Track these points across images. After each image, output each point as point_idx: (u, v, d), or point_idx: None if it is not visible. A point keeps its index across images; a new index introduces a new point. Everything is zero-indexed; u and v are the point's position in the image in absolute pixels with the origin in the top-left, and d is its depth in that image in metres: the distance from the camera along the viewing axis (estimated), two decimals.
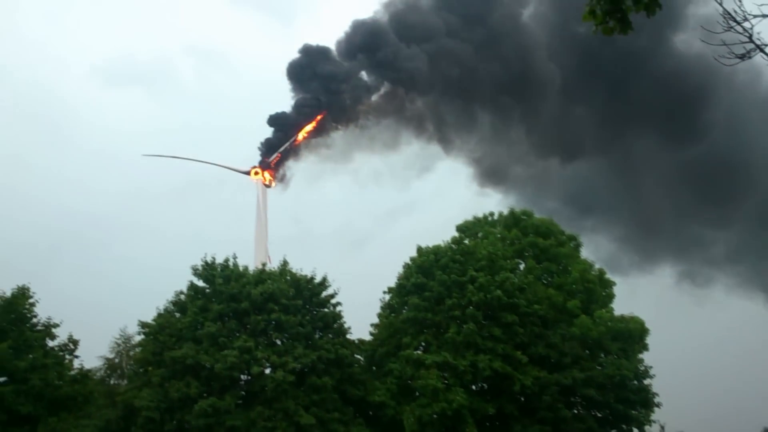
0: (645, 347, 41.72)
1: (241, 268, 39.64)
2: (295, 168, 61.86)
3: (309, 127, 59.25)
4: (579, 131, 65.06)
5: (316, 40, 61.79)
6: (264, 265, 43.08)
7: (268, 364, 36.10)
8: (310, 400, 35.45)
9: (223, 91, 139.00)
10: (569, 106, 64.81)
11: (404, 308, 40.42)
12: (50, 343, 36.80)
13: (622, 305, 43.97)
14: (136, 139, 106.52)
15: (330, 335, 38.59)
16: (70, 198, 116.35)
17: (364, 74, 60.04)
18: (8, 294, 35.83)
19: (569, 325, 40.32)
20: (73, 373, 37.08)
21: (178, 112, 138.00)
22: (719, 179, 63.76)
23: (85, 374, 38.11)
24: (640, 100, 62.98)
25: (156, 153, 65.99)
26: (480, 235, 45.88)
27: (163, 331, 37.39)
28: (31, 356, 34.44)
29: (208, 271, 39.16)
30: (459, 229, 47.19)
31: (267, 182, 59.87)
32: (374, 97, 61.24)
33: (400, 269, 42.17)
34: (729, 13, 8.62)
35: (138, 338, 41.06)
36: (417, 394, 37.47)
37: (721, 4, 8.60)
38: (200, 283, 39.28)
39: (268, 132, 60.12)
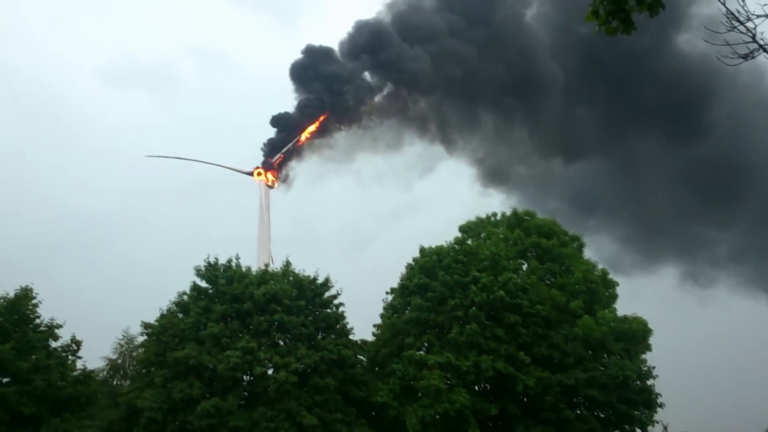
0: (648, 347, 41.66)
1: (243, 269, 39.64)
2: (298, 168, 61.99)
3: (312, 128, 59.31)
4: (582, 131, 65.09)
5: (318, 41, 62.12)
6: (267, 265, 43.14)
7: (270, 365, 36.10)
8: (312, 400, 35.44)
9: (226, 92, 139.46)
10: (572, 106, 64.84)
11: (407, 309, 40.37)
12: (53, 344, 36.91)
13: (624, 305, 43.99)
14: (139, 140, 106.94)
15: (333, 336, 38.57)
16: (72, 198, 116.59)
17: (367, 75, 60.15)
18: (11, 295, 35.91)
19: (572, 326, 40.28)
20: (75, 373, 37.14)
21: (181, 113, 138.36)
22: (722, 179, 63.69)
23: (87, 375, 38.18)
24: (643, 100, 62.95)
25: (159, 154, 66.08)
26: (483, 235, 45.85)
27: (165, 332, 37.39)
28: (34, 357, 34.51)
29: (210, 271, 39.18)
30: (462, 229, 47.16)
31: (270, 183, 59.95)
32: (377, 98, 61.36)
33: (402, 269, 42.20)
34: (732, 13, 8.60)
35: (141, 339, 41.07)
36: (420, 394, 37.45)
37: (724, 4, 8.59)
38: (203, 284, 39.30)
39: (270, 132, 60.28)
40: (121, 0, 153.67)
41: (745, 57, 8.86)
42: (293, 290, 38.38)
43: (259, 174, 59.45)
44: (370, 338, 42.03)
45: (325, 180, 73.74)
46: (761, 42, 8.70)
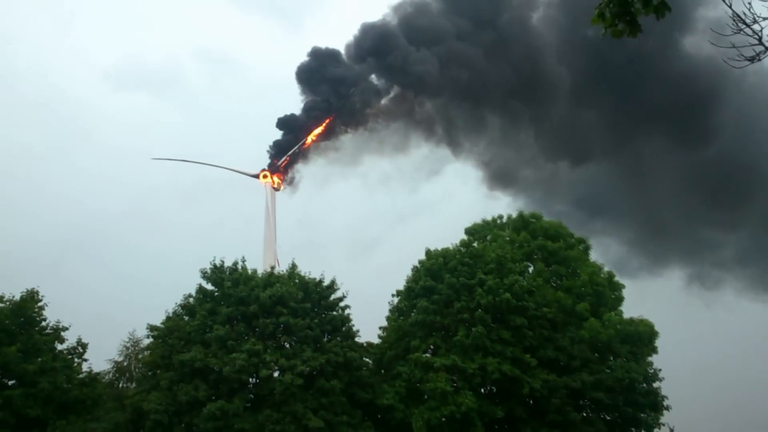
0: (654, 350, 41.54)
1: (249, 272, 39.68)
2: (304, 171, 61.93)
3: (318, 131, 59.32)
4: (588, 134, 65.00)
5: (324, 44, 62.01)
6: (273, 268, 43.10)
7: (276, 368, 36.13)
8: (318, 403, 35.43)
9: (232, 94, 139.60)
10: (578, 108, 64.75)
11: (413, 311, 40.35)
12: (59, 347, 36.97)
13: (631, 308, 43.87)
14: (146, 142, 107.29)
15: (338, 338, 38.57)
16: (80, 200, 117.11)
17: (373, 77, 60.13)
18: (17, 297, 35.96)
19: (578, 328, 40.22)
20: (81, 376, 37.20)
21: (188, 115, 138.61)
22: (729, 182, 63.60)
23: (93, 377, 38.24)
24: (649, 103, 62.85)
25: (165, 156, 66.16)
26: (489, 238, 45.82)
27: (171, 335, 37.44)
28: (40, 360, 34.53)
29: (216, 274, 39.23)
30: (468, 231, 47.12)
31: (276, 185, 59.94)
32: (383, 101, 61.33)
33: (408, 272, 42.20)
34: (738, 16, 8.58)
35: (147, 341, 41.14)
36: (426, 397, 37.41)
37: (730, 7, 8.56)
38: (209, 287, 39.36)
39: (277, 135, 60.24)
40: (128, 3, 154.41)
41: (752, 59, 8.84)
42: (299, 293, 38.39)
43: (265, 176, 59.44)
44: (376, 341, 42.06)
45: (331, 182, 73.75)
46: None
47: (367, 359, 40.58)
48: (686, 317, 68.72)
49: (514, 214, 47.69)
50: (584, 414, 39.67)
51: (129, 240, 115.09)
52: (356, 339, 39.77)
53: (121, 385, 46.42)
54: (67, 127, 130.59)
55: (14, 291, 36.42)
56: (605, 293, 42.83)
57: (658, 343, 41.63)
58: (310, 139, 59.35)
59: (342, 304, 39.71)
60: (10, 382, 34.49)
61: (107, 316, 76.16)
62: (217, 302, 38.37)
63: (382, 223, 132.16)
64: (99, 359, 44.47)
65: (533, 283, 40.92)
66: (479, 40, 59.44)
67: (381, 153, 63.70)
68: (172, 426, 34.75)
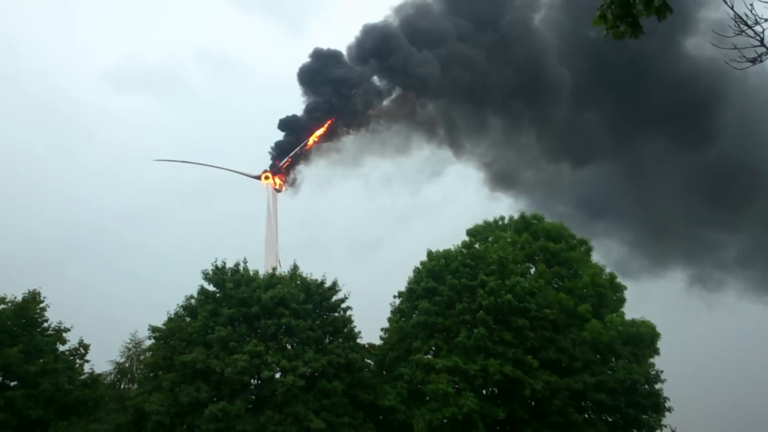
0: (656, 351, 41.48)
1: (251, 273, 39.67)
2: (305, 172, 62.05)
3: (319, 132, 59.37)
4: (590, 135, 65.03)
5: (326, 45, 62.01)
6: (274, 269, 43.12)
7: (278, 369, 36.10)
8: (320, 404, 35.42)
9: (234, 96, 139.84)
10: (580, 110, 64.81)
11: (414, 312, 40.36)
12: (61, 348, 36.97)
13: (633, 309, 43.81)
14: (147, 143, 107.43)
15: (340, 339, 38.55)
16: (81, 200, 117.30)
17: (375, 79, 60.17)
18: (19, 299, 35.98)
19: (580, 330, 40.19)
20: (83, 377, 37.20)
21: (189, 117, 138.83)
22: (730, 183, 63.60)
23: (95, 378, 38.22)
24: (651, 104, 62.89)
25: (167, 158, 66.40)
26: (490, 239, 45.79)
27: (173, 336, 37.45)
28: (41, 361, 34.54)
29: (218, 275, 39.23)
30: (469, 233, 47.10)
31: (277, 187, 59.98)
32: (385, 102, 61.42)
33: (410, 273, 42.17)
34: (740, 17, 8.58)
35: (148, 343, 41.08)
36: (427, 398, 37.39)
37: (732, 8, 8.57)
38: (211, 288, 39.36)
39: (278, 136, 60.34)
40: (129, 4, 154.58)
41: (754, 61, 8.84)
42: (301, 294, 38.41)
43: (266, 178, 59.51)
44: (378, 342, 42.04)
45: (332, 184, 73.89)
46: None
47: (369, 360, 40.54)
48: (688, 319, 68.86)
49: (516, 216, 47.67)
50: (586, 415, 39.61)
51: (130, 240, 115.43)
52: (358, 340, 39.76)
53: (122, 386, 46.38)
54: (68, 127, 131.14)
55: (16, 291, 36.51)
56: (607, 295, 42.78)
57: (659, 344, 41.60)
58: (311, 140, 59.41)
59: (344, 305, 39.74)
60: (12, 383, 34.49)
61: (109, 316, 76.36)
62: (218, 303, 38.37)
63: (384, 225, 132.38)
64: (101, 360, 44.58)
65: (535, 285, 40.91)
66: (481, 41, 59.51)
67: (383, 154, 63.86)
68: (173, 427, 34.73)
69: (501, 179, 65.53)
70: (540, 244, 44.86)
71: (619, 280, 44.99)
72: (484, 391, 38.71)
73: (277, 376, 36.08)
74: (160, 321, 38.91)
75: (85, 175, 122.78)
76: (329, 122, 59.37)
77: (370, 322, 42.51)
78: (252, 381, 37.00)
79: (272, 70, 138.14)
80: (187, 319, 38.73)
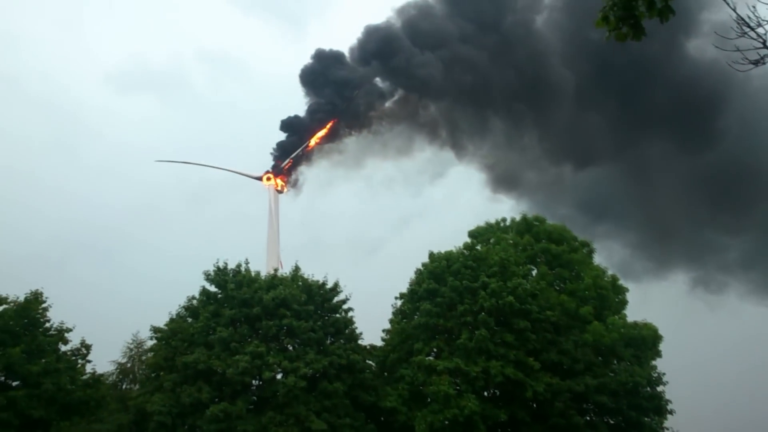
0: (658, 354, 41.46)
1: (253, 274, 39.66)
2: (307, 173, 62.08)
3: (321, 133, 59.39)
4: (592, 137, 64.95)
5: (328, 46, 62.08)
6: (276, 270, 43.16)
7: (279, 370, 36.10)
8: (321, 405, 35.42)
9: (236, 97, 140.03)
10: (582, 112, 64.73)
11: (416, 314, 40.34)
12: (63, 348, 37.02)
13: (635, 312, 43.81)
14: (150, 145, 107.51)
15: (341, 341, 38.53)
16: (85, 202, 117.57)
17: (377, 80, 60.19)
18: (21, 299, 36.02)
19: (582, 332, 40.15)
20: (85, 377, 37.24)
21: (191, 118, 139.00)
22: (733, 185, 63.47)
23: (97, 379, 38.27)
24: (653, 106, 62.79)
25: (169, 158, 66.43)
26: (492, 241, 45.75)
27: (175, 336, 37.47)
28: (43, 361, 34.60)
29: (220, 276, 39.24)
30: (471, 234, 47.09)
31: (279, 188, 60.02)
32: (387, 103, 61.43)
33: (412, 275, 42.14)
34: (743, 19, 8.59)
35: (150, 343, 41.10)
36: (429, 400, 37.36)
37: (735, 10, 8.57)
38: (212, 289, 39.37)
39: (280, 137, 60.37)
40: (131, 6, 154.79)
41: (756, 63, 8.85)
42: (302, 295, 38.40)
43: (268, 179, 59.53)
44: (379, 343, 42.00)
45: (334, 185, 73.85)
46: None
47: (370, 362, 40.51)
48: (690, 321, 68.69)
49: (518, 217, 47.69)
50: (588, 418, 39.60)
51: (132, 241, 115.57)
52: (359, 341, 39.75)
53: (124, 386, 46.45)
54: (71, 127, 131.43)
55: (19, 289, 36.63)
56: (609, 297, 42.75)
57: (661, 346, 41.58)
58: (313, 141, 59.43)
59: (345, 306, 39.75)
60: (14, 383, 34.54)
61: (111, 315, 76.48)
62: (220, 304, 38.38)
63: (386, 226, 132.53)
64: (102, 361, 44.63)
65: (537, 287, 40.90)
66: (483, 43, 59.51)
67: (384, 156, 63.84)
68: (175, 427, 34.75)
69: (503, 181, 65.55)
70: (542, 246, 44.83)
71: (621, 282, 45.04)
72: (485, 393, 38.69)
73: (279, 377, 36.10)
74: (162, 320, 39.06)
75: (87, 173, 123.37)
76: (331, 123, 59.40)
77: (372, 324, 42.54)
78: (253, 382, 37.04)
79: (274, 71, 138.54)
80: (189, 320, 38.76)
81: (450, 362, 36.94)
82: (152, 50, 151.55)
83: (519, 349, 37.83)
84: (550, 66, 60.16)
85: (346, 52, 59.91)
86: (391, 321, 42.25)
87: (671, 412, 40.45)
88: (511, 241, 45.54)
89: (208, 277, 39.32)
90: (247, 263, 40.10)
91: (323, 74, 58.11)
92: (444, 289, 39.12)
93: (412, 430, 36.39)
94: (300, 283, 39.43)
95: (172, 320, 38.81)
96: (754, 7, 8.49)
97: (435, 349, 39.30)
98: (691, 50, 60.92)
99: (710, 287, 67.44)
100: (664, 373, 41.10)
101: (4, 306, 35.41)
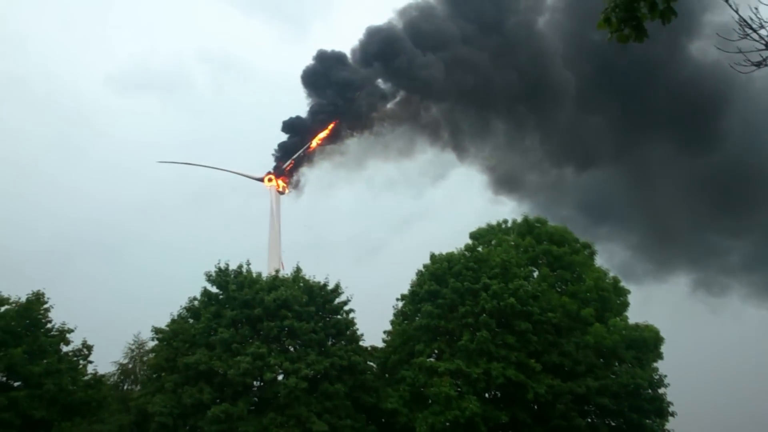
0: (659, 356, 41.43)
1: (254, 275, 39.65)
2: (309, 175, 62.07)
3: (323, 134, 59.37)
4: (594, 139, 64.94)
5: (330, 48, 62.06)
6: (277, 271, 43.14)
7: (280, 371, 36.10)
8: (322, 406, 35.41)
9: (238, 98, 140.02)
10: (584, 114, 64.76)
11: (417, 315, 40.30)
12: (64, 349, 37.07)
13: (636, 313, 43.82)
14: (152, 146, 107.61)
15: (343, 342, 38.52)
16: (85, 204, 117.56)
17: (379, 82, 60.18)
18: (23, 299, 36.05)
19: (583, 334, 40.13)
20: (86, 378, 37.25)
21: (193, 119, 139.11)
22: (735, 187, 63.47)
23: (98, 379, 38.30)
24: (655, 108, 62.80)
25: (171, 159, 66.45)
26: (493, 242, 45.74)
27: (176, 337, 37.47)
28: (45, 361, 34.62)
29: (221, 277, 39.24)
30: (472, 236, 47.06)
31: (281, 189, 60.02)
32: (389, 105, 61.41)
33: (413, 276, 42.13)
34: (745, 21, 8.57)
35: (151, 344, 41.16)
36: (430, 401, 37.33)
37: (737, 12, 8.56)
38: (214, 290, 39.36)
39: (282, 138, 60.36)
40: (133, 7, 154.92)
41: (758, 64, 8.84)
42: (303, 296, 38.38)
43: (270, 180, 59.53)
44: (381, 345, 41.97)
45: (336, 186, 73.91)
46: None
47: (372, 363, 40.47)
48: (692, 323, 68.74)
49: (519, 219, 47.66)
50: (589, 419, 39.57)
51: (134, 242, 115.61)
52: (360, 343, 39.72)
53: (125, 387, 46.49)
54: (75, 126, 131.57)
55: (23, 287, 36.67)
56: (610, 298, 42.73)
57: (663, 349, 41.59)
58: (315, 142, 59.42)
59: (346, 307, 39.71)
60: (16, 384, 34.57)
61: (113, 315, 76.53)
62: (221, 305, 38.39)
63: (387, 227, 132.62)
64: (104, 361, 44.62)
65: (538, 288, 40.87)
66: (485, 44, 59.50)
67: (386, 157, 63.89)
68: (176, 428, 34.74)
69: (504, 182, 65.59)
70: (543, 248, 44.80)
71: (623, 284, 45.04)
72: (486, 395, 38.67)
73: (280, 378, 36.09)
74: (164, 318, 39.10)
75: (91, 172, 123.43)
76: (333, 124, 59.38)
77: (373, 325, 42.54)
78: (254, 383, 37.01)
79: (276, 72, 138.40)
80: (190, 321, 38.76)
81: (451, 364, 36.92)
82: (154, 50, 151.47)
83: (520, 350, 37.80)
84: (552, 67, 60.15)
85: (348, 54, 59.99)
86: (392, 322, 42.23)
87: (673, 414, 40.44)
88: (512, 243, 45.52)
89: (209, 278, 39.33)
90: (248, 264, 40.18)
91: (325, 75, 58.11)
92: (445, 291, 39.10)
93: (413, 431, 36.38)
94: (301, 285, 39.42)
95: (173, 321, 38.81)
96: (756, 8, 8.48)
97: (436, 351, 39.27)
98: (693, 52, 61.02)
99: (712, 289, 67.56)
100: (665, 375, 41.14)
101: (6, 306, 35.45)
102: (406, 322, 41.09)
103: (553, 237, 45.49)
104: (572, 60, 60.80)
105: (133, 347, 47.31)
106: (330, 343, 38.25)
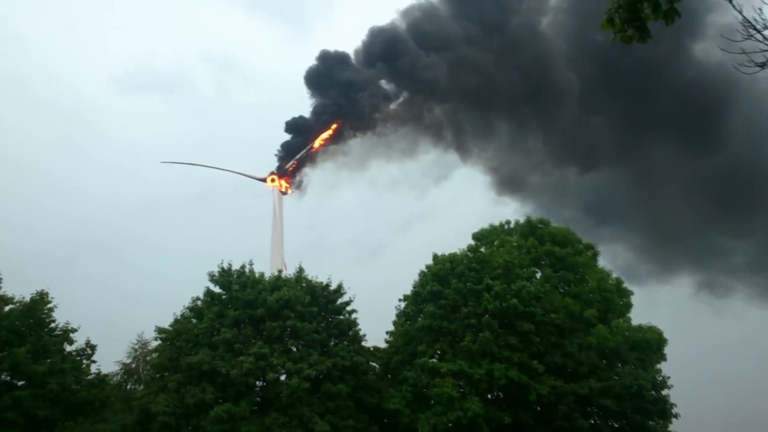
0: (663, 357, 41.36)
1: (257, 275, 39.68)
2: (311, 175, 62.08)
3: (325, 135, 59.36)
4: (597, 140, 64.92)
5: (332, 48, 62.08)
6: (280, 271, 43.09)
7: (283, 371, 36.12)
8: (324, 407, 35.41)
9: (240, 99, 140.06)
10: (587, 114, 64.72)
11: (420, 316, 40.29)
12: (68, 348, 37.10)
13: (639, 315, 43.72)
14: (154, 146, 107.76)
15: (345, 342, 38.54)
16: (88, 204, 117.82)
17: (383, 82, 60.17)
18: (27, 299, 36.10)
19: (586, 335, 40.08)
20: (90, 377, 37.29)
21: (196, 120, 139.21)
22: (738, 188, 63.35)
23: (102, 379, 38.34)
24: (658, 109, 62.77)
25: (174, 160, 66.51)
26: (496, 243, 45.68)
27: (179, 337, 37.52)
28: (49, 361, 34.64)
29: (224, 277, 39.28)
30: (475, 237, 47.04)
31: (283, 189, 60.03)
32: (392, 105, 61.38)
33: (415, 277, 42.13)
34: (749, 22, 8.57)
35: (155, 344, 41.25)
36: (432, 402, 37.30)
37: (741, 13, 8.56)
38: (217, 290, 39.39)
39: (284, 138, 60.35)
40: (136, 8, 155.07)
41: (762, 65, 8.83)
42: (306, 296, 38.39)
43: (272, 180, 59.54)
44: (383, 345, 41.97)
45: (338, 187, 73.94)
46: None
47: (374, 364, 40.49)
48: (695, 324, 68.62)
49: (522, 220, 47.66)
50: (592, 421, 39.50)
51: (136, 243, 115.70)
52: (363, 343, 39.75)
53: (128, 386, 46.57)
54: (77, 127, 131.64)
55: (26, 287, 36.68)
56: (613, 300, 42.67)
57: (666, 350, 41.50)
58: (317, 143, 59.41)
59: (349, 308, 39.74)
60: (20, 383, 34.61)
61: (116, 315, 76.58)
62: (224, 305, 38.41)
63: (390, 228, 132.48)
64: (107, 361, 44.73)
65: (541, 289, 40.84)
66: (488, 45, 59.48)
67: (389, 157, 63.92)
68: (179, 428, 34.79)
69: (507, 183, 65.60)
70: (546, 249, 44.77)
71: (626, 285, 44.94)
72: (489, 396, 38.65)
73: (282, 378, 36.13)
74: (167, 319, 39.14)
75: (93, 172, 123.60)
76: (336, 125, 59.36)
77: (375, 326, 42.54)
78: (257, 383, 37.03)
79: (278, 73, 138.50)
80: (193, 321, 38.82)
81: (453, 364, 36.91)
82: (156, 51, 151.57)
83: (523, 351, 37.80)
84: (555, 68, 60.14)
85: (351, 54, 59.98)
86: (394, 323, 42.22)
87: (676, 416, 40.36)
88: (515, 244, 45.45)
89: (212, 278, 39.37)
90: (251, 264, 40.21)
91: (328, 76, 58.11)
92: (448, 291, 39.09)
93: None
94: (304, 285, 39.45)
95: (176, 321, 38.86)
96: (760, 9, 8.48)
97: (438, 352, 39.26)
98: (696, 53, 60.95)
99: (716, 291, 67.41)
100: (668, 377, 41.05)
101: (10, 306, 35.49)
102: (408, 322, 41.08)
103: (556, 238, 45.45)
104: (575, 61, 60.81)
105: (136, 347, 47.45)
106: (332, 343, 38.27)
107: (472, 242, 45.73)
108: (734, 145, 61.83)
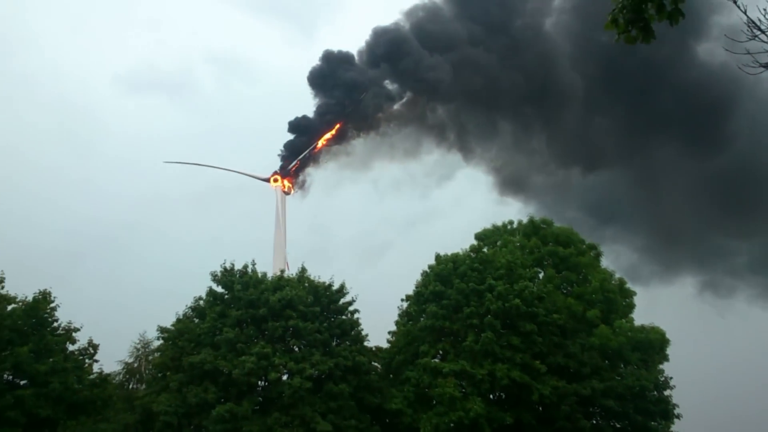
0: (665, 358, 41.38)
1: (259, 275, 39.70)
2: (314, 175, 61.97)
3: (329, 135, 59.31)
4: (600, 140, 64.80)
5: (336, 48, 61.97)
6: (282, 271, 43.13)
7: (285, 371, 36.15)
8: (326, 407, 35.41)
9: (244, 99, 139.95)
10: (591, 115, 64.59)
11: (422, 316, 40.29)
12: (70, 347, 37.08)
13: (642, 315, 43.73)
14: (158, 146, 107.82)
15: (347, 342, 38.54)
16: (92, 204, 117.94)
17: (386, 82, 60.09)
18: (30, 298, 36.10)
19: (588, 335, 40.07)
20: (92, 377, 37.28)
21: (200, 120, 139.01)
22: (742, 189, 63.21)
23: (104, 378, 38.31)
24: (662, 110, 62.58)
25: (177, 160, 66.40)
26: (499, 243, 45.68)
27: (181, 337, 37.55)
28: (51, 360, 34.64)
29: (227, 277, 39.30)
30: (478, 237, 47.05)
31: (286, 189, 59.97)
32: (396, 106, 61.29)
33: (418, 277, 42.15)
34: (753, 22, 8.54)
35: (157, 343, 41.30)
36: (434, 402, 37.32)
37: (745, 13, 8.52)
38: (219, 289, 39.42)
39: (288, 139, 60.29)
40: (141, 7, 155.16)
41: (766, 66, 8.79)
42: (308, 296, 38.43)
43: (275, 180, 59.50)
44: (385, 345, 42.00)
45: (341, 187, 73.84)
46: None
47: (376, 364, 40.52)
48: (698, 325, 68.45)
49: (525, 220, 47.70)
50: (594, 421, 39.48)
51: (138, 247, 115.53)
52: (365, 343, 39.77)
53: (131, 386, 46.52)
54: (83, 125, 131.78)
55: (33, 284, 36.73)
56: (616, 300, 42.65)
57: (669, 350, 41.54)
58: (320, 143, 59.38)
59: (351, 308, 39.77)
60: (22, 382, 34.59)
61: (118, 316, 76.64)
62: (227, 305, 38.43)
63: (392, 228, 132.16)
64: (110, 360, 44.73)
65: (543, 290, 40.81)
66: (492, 45, 59.37)
67: (392, 158, 63.77)
68: (181, 428, 34.83)
69: (510, 183, 65.49)
70: (549, 249, 44.76)
71: (629, 285, 45.01)
72: (491, 396, 38.66)
73: (284, 378, 36.16)
74: (169, 318, 39.19)
75: (99, 170, 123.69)
76: (339, 125, 59.30)
77: (378, 326, 42.57)
78: (259, 383, 37.05)
79: (282, 73, 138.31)
80: (196, 321, 38.85)
81: (456, 365, 36.90)
82: (161, 51, 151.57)
83: (525, 352, 37.78)
84: (559, 69, 60.04)
85: (355, 54, 59.92)
86: (397, 323, 42.24)
87: (678, 417, 40.38)
88: (518, 244, 45.47)
89: (215, 278, 39.39)
90: (253, 264, 40.26)
91: (332, 76, 58.03)
92: (450, 292, 39.08)
93: None
94: (306, 285, 39.47)
95: (178, 320, 38.91)
96: (765, 9, 8.45)
97: (441, 352, 39.24)
98: (700, 53, 60.77)
99: (719, 291, 67.27)
100: (671, 377, 41.12)
101: (13, 305, 35.49)
102: (410, 322, 41.09)
103: (559, 238, 45.43)
104: (579, 61, 60.67)
105: (139, 346, 47.39)
106: (334, 343, 38.28)
107: (475, 242, 45.72)
108: (738, 146, 61.72)
